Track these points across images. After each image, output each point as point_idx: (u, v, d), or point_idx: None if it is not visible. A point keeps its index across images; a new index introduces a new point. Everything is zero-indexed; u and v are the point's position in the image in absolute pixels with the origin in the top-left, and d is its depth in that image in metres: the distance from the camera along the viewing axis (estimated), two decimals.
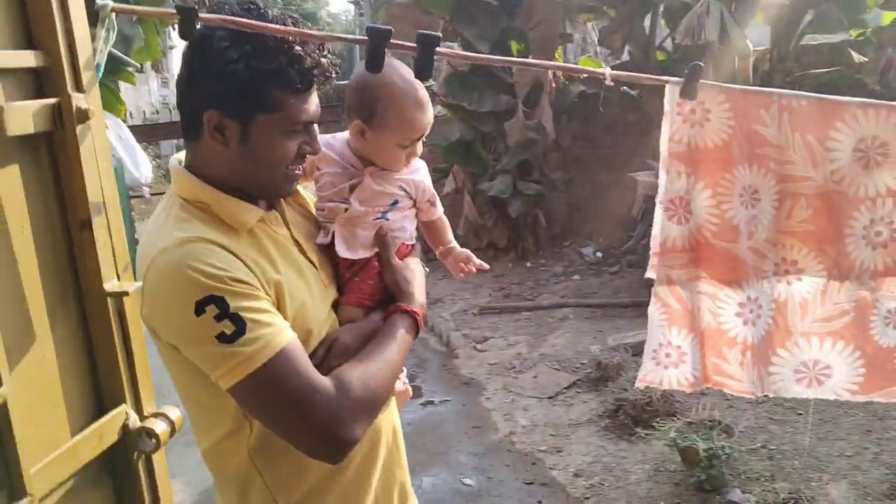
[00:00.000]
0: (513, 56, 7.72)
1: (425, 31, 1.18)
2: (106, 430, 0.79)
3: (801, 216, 1.68)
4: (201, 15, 1.09)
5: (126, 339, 0.87)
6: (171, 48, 21.71)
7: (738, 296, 1.76)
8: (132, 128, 8.92)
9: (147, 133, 9.14)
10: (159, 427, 0.84)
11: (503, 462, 4.00)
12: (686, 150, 1.64)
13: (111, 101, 6.06)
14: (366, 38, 1.14)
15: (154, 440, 0.83)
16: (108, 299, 0.85)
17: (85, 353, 0.84)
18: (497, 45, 7.52)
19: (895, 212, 1.66)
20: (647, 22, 7.26)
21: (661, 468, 3.71)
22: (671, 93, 1.59)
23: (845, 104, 1.61)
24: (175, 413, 0.88)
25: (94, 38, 1.01)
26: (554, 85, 7.44)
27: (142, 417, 0.86)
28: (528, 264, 7.59)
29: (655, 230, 1.69)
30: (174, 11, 1.09)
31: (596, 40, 8.20)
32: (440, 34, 1.20)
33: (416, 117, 1.40)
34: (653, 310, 1.77)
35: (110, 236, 0.89)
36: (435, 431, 4.48)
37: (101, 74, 1.07)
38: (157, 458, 0.87)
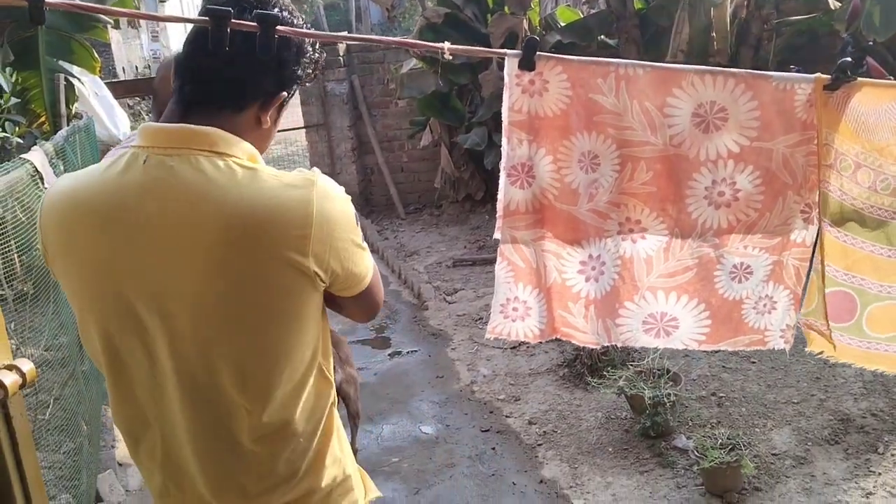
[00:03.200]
0: (489, 7, 7.65)
1: (264, 11, 1.22)
2: None
3: (643, 178, 1.74)
4: (48, 1, 1.11)
5: None
6: (163, 1, 21.40)
7: (580, 254, 1.83)
8: (120, 83, 8.87)
9: (130, 88, 9.09)
10: (8, 378, 0.90)
11: (462, 410, 4.10)
12: (527, 119, 1.69)
13: (85, 59, 6.02)
14: (206, 18, 1.17)
15: (2, 390, 0.89)
16: None
17: None
18: None
19: (736, 173, 1.73)
20: None
21: (613, 416, 3.81)
22: (510, 65, 1.64)
23: (682, 72, 1.67)
24: (27, 366, 0.94)
25: None
26: (529, 35, 7.37)
27: None
28: None
29: (500, 195, 1.76)
30: None
31: None
32: (280, 14, 1.25)
33: None
34: (499, 267, 1.84)
35: None
36: (400, 381, 4.57)
37: None
38: (14, 405, 0.93)
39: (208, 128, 1.22)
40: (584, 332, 1.90)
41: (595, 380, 3.93)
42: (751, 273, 1.83)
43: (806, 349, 1.91)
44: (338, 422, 1.44)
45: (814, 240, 1.80)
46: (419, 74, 7.56)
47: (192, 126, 1.22)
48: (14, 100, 5.24)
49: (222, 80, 1.25)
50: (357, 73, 8.40)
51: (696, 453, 3.13)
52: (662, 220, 1.79)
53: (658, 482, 3.23)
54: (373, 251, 7.24)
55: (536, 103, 1.69)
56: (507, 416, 3.98)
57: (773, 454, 3.32)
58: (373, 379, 4.65)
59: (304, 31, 1.31)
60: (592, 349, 4.23)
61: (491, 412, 4.05)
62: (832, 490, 3.06)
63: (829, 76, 1.64)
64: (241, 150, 1.25)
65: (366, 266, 1.35)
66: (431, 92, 7.50)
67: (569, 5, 9.08)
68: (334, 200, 1.25)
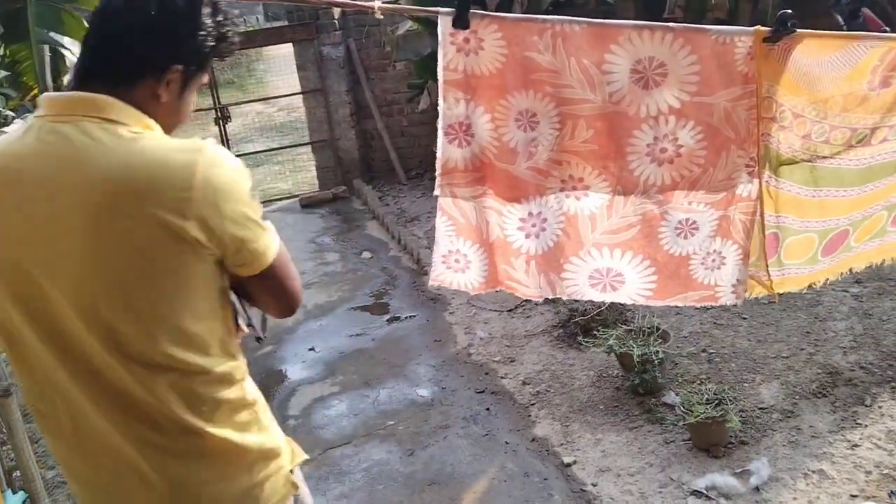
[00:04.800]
0: None
1: None
2: None
3: (583, 136, 1.76)
4: None
5: None
6: None
7: (519, 211, 1.86)
8: None
9: None
10: None
11: (458, 373, 4.16)
12: (463, 78, 1.70)
13: (76, 29, 5.99)
14: None
15: None
16: None
17: None
18: None
19: (678, 129, 1.74)
20: None
21: (604, 374, 3.85)
22: (444, 23, 1.65)
23: (619, 27, 1.67)
24: None
25: None
26: None
27: None
28: None
29: (438, 153, 1.78)
30: None
31: None
32: None
33: None
34: (439, 222, 1.88)
35: None
36: (398, 346, 4.63)
37: None
38: None
39: (97, 94, 1.26)
40: (526, 286, 1.94)
41: (587, 339, 3.96)
42: (696, 229, 1.86)
43: (746, 294, 1.96)
44: (258, 394, 1.48)
45: (759, 193, 1.83)
46: (414, 36, 7.48)
47: (82, 93, 1.27)
48: (4, 73, 5.23)
49: (115, 53, 1.29)
50: (353, 35, 8.33)
51: (683, 409, 3.17)
52: (605, 178, 1.81)
53: (647, 438, 3.28)
54: (373, 217, 7.28)
55: (472, 62, 1.70)
56: (501, 378, 4.03)
57: (760, 408, 3.36)
58: (371, 344, 4.70)
59: None
60: (586, 309, 4.28)
61: (486, 374, 4.10)
62: (818, 442, 3.10)
63: (768, 28, 1.63)
64: (134, 119, 1.28)
65: (265, 244, 1.35)
66: (427, 54, 7.41)
67: None
68: (224, 168, 1.27)
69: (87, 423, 1.32)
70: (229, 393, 1.38)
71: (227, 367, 1.37)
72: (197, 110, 11.09)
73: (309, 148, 8.67)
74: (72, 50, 5.99)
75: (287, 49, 8.68)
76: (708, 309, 4.35)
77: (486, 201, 1.85)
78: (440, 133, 1.77)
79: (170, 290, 1.26)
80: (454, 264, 1.91)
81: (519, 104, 1.74)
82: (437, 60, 6.40)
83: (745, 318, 4.19)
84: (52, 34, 5.70)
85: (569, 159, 1.80)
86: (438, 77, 1.72)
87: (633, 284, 1.92)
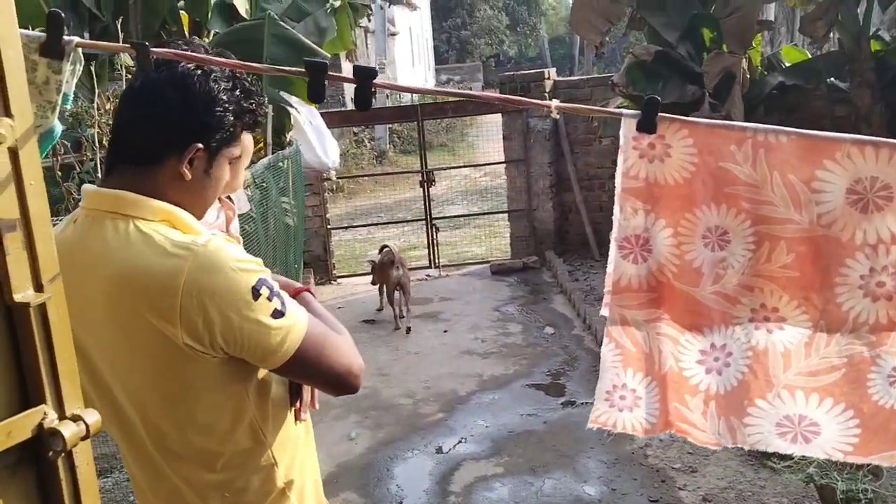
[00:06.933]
0: (705, 45, 7.27)
1: (362, 65, 1.18)
2: (15, 427, 0.86)
3: (782, 261, 1.49)
4: (153, 49, 1.15)
5: (50, 344, 0.93)
6: (392, 35, 22.80)
7: (700, 342, 1.60)
8: (336, 112, 9.50)
9: (345, 117, 9.76)
10: (68, 429, 0.89)
11: (631, 475, 3.85)
12: (644, 186, 1.51)
13: (303, 90, 6.50)
14: (304, 70, 1.14)
15: (62, 441, 0.89)
16: (32, 308, 0.92)
17: (10, 357, 0.91)
18: (687, 34, 7.10)
19: None
20: (861, 7, 6.53)
21: None
22: (627, 126, 1.47)
23: (836, 141, 1.41)
24: (92, 417, 0.93)
25: (61, 72, 1.10)
26: (748, 76, 6.92)
27: (62, 417, 0.92)
28: None
29: (610, 268, 1.58)
30: (129, 45, 1.16)
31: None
32: (377, 68, 1.20)
33: None
34: (605, 350, 1.65)
35: (30, 249, 0.95)
36: (569, 433, 4.38)
37: (69, 103, 1.17)
38: (80, 453, 0.92)
39: (115, 191, 1.29)
40: (702, 430, 1.67)
41: (782, 463, 3.50)
42: None
43: None
44: (297, 475, 1.45)
45: None
46: None
47: (102, 190, 1.31)
48: None
49: (131, 139, 1.31)
50: None
51: None
52: (805, 311, 1.55)
53: None
54: (560, 291, 7.10)
55: (656, 169, 1.52)
56: (679, 489, 3.67)
57: None
58: (541, 427, 4.49)
59: (389, 84, 1.28)
60: None
61: (663, 481, 3.76)
62: None
63: None
64: (152, 211, 1.28)
65: (278, 341, 1.27)
66: None
67: (795, 45, 8.45)
68: (214, 273, 1.22)
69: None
70: (255, 480, 1.38)
71: (252, 455, 1.38)
72: (406, 171, 11.67)
73: (506, 215, 8.71)
74: (297, 108, 6.46)
75: (498, 116, 8.86)
76: None
77: (661, 327, 1.64)
78: (613, 246, 1.61)
79: (178, 394, 1.30)
80: (619, 401, 1.70)
81: (708, 220, 1.54)
82: None
83: None
84: (282, 93, 6.18)
85: (763, 286, 1.56)
86: (616, 184, 1.56)
87: (830, 437, 1.62)
